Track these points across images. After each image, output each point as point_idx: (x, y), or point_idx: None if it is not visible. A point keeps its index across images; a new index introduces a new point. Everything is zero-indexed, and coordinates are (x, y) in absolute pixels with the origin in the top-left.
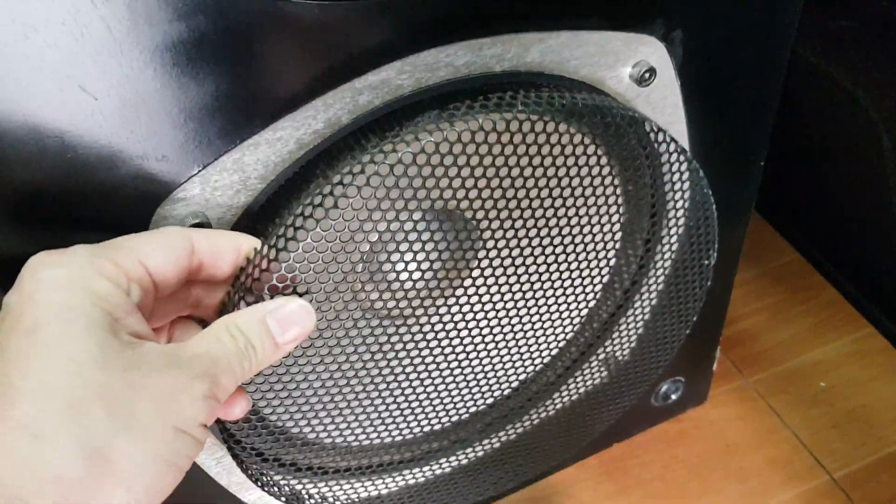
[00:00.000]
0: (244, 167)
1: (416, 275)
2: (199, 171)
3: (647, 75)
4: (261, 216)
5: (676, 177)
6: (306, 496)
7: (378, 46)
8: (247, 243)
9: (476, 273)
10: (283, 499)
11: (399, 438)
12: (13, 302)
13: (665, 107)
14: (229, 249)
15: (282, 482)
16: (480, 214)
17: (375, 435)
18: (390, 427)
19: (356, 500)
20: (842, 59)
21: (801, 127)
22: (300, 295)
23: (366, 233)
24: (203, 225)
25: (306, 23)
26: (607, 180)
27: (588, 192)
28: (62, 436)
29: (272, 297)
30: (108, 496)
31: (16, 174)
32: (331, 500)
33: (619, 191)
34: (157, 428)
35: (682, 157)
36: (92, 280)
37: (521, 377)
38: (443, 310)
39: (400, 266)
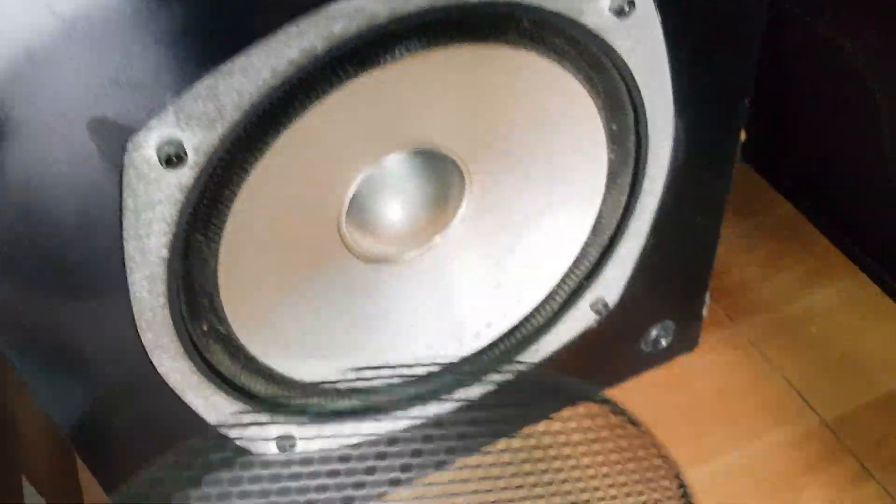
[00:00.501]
0: (219, 95)
1: (403, 217)
2: (174, 98)
3: (626, 7)
4: (235, 146)
5: (660, 115)
6: (297, 437)
7: None
8: None
9: (462, 215)
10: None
11: (391, 382)
12: None
13: (645, 41)
14: None
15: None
16: (465, 153)
17: (369, 377)
18: (381, 370)
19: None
20: (828, 10)
21: (790, 79)
22: None
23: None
24: (178, 156)
25: None
26: (591, 116)
27: (573, 129)
28: None
29: None
30: None
31: None
32: (324, 441)
33: (603, 129)
34: None
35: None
36: None
37: (511, 322)
38: (430, 252)
39: (386, 208)
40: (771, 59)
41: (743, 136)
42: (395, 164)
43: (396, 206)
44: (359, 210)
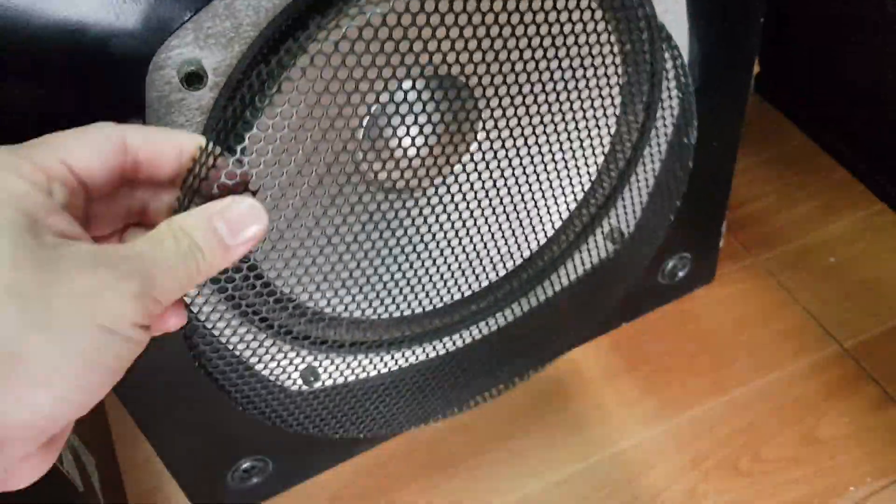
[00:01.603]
0: (236, 13)
1: (416, 144)
2: (192, 16)
3: None
4: (252, 66)
5: (675, 34)
6: (321, 369)
7: None
8: (189, 141)
9: (476, 143)
10: (298, 372)
11: (408, 314)
12: None
13: None
14: (169, 148)
15: (292, 354)
16: (474, 79)
17: (385, 309)
18: (398, 301)
19: (369, 374)
20: None
21: (804, 7)
22: (254, 193)
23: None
24: (197, 75)
25: None
26: (603, 38)
27: (585, 51)
28: None
29: (224, 197)
30: (23, 394)
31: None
32: (345, 372)
33: (616, 49)
34: (77, 326)
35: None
36: (7, 181)
37: (527, 252)
38: (446, 181)
39: (400, 134)
40: None
41: (757, 67)
42: (410, 91)
43: (412, 133)
44: (376, 138)
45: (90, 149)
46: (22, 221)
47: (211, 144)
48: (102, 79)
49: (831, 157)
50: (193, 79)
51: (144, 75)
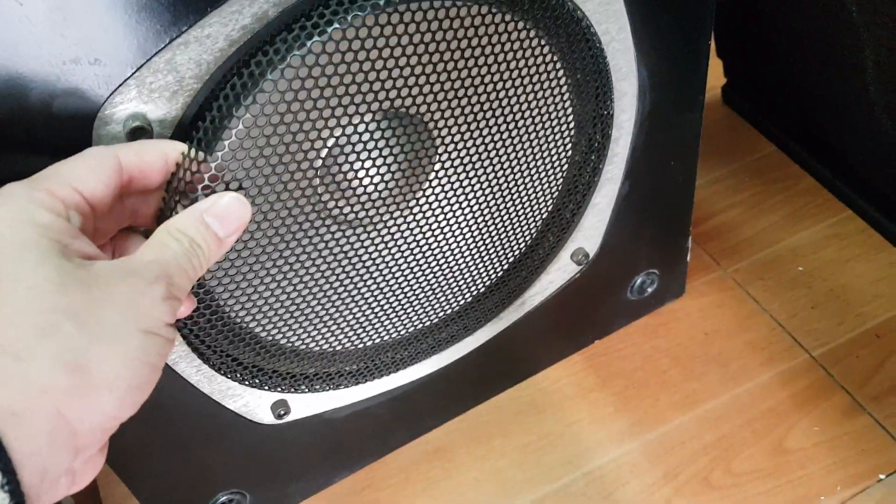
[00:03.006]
0: (177, 67)
1: (374, 179)
2: (133, 72)
3: None
4: (198, 117)
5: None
6: (290, 403)
7: None
8: (172, 148)
9: (435, 176)
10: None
11: (372, 342)
12: None
13: None
14: (156, 159)
15: (265, 387)
16: (429, 114)
17: (351, 340)
18: (363, 332)
19: (339, 406)
20: None
21: (770, 19)
22: (236, 190)
23: (309, 130)
24: (143, 129)
25: None
26: (552, 67)
27: (535, 81)
28: (41, 354)
29: (206, 197)
30: (94, 400)
31: None
32: (315, 404)
33: (566, 78)
34: (125, 333)
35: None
36: (33, 214)
37: (493, 276)
38: (404, 214)
39: (355, 169)
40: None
41: (723, 78)
42: (365, 127)
43: (369, 169)
44: (335, 174)
45: (95, 174)
46: (56, 249)
47: (193, 150)
48: (49, 138)
49: (799, 166)
50: (139, 133)
51: (90, 132)
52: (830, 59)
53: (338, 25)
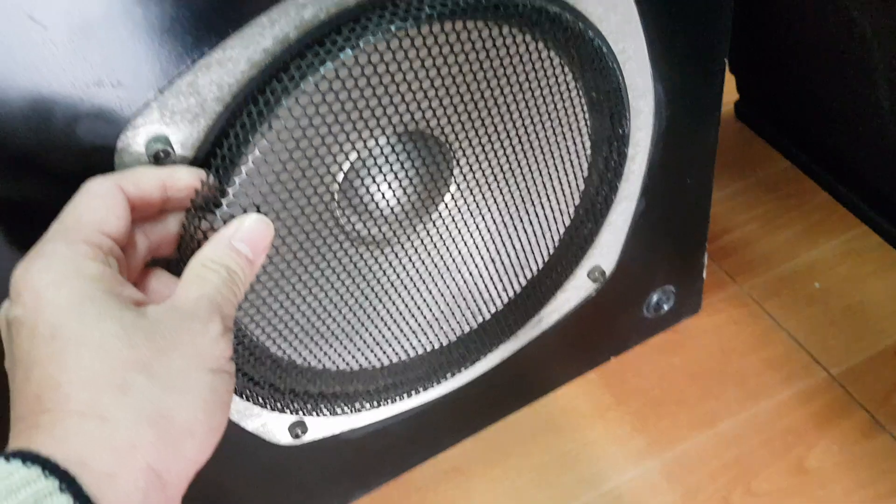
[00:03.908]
0: (199, 90)
1: (390, 199)
2: (156, 95)
3: None
4: (218, 141)
5: (639, 79)
6: (308, 423)
7: None
8: (169, 175)
9: (451, 195)
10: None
11: (391, 362)
12: (21, 315)
13: (616, 6)
14: (153, 188)
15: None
16: (448, 133)
17: (368, 359)
18: (380, 352)
19: (357, 427)
20: None
21: (783, 34)
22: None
23: (325, 153)
24: (166, 152)
25: None
26: (570, 86)
27: (552, 100)
28: (123, 413)
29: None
30: (179, 449)
31: None
32: (333, 425)
33: (583, 97)
34: (195, 376)
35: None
36: (81, 268)
37: (510, 294)
38: (421, 233)
39: (371, 192)
40: (763, 16)
41: (737, 94)
42: (381, 147)
43: (387, 188)
44: (351, 194)
45: (113, 213)
46: (112, 301)
47: (211, 178)
48: (72, 160)
49: (814, 182)
50: (161, 155)
51: (112, 155)
52: (843, 74)
53: (350, 51)
